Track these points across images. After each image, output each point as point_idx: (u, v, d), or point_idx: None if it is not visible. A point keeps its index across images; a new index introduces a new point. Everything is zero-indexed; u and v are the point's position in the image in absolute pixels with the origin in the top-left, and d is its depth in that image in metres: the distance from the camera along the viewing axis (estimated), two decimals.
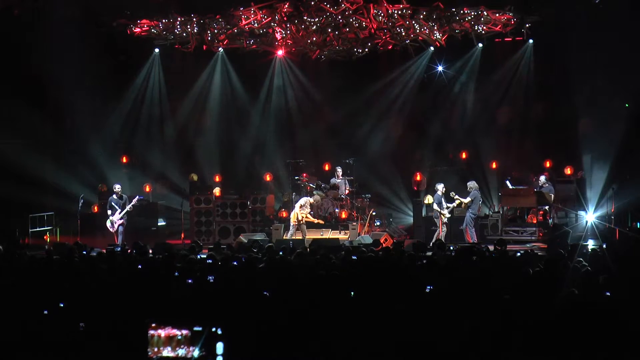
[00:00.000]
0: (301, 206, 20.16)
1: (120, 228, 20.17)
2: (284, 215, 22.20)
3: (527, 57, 24.18)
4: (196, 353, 6.61)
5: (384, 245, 17.31)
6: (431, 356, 7.78)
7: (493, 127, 24.90)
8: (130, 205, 20.34)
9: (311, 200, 20.37)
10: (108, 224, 20.27)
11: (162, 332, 6.64)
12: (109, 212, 20.30)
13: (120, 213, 20.14)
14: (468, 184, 20.85)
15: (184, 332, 6.64)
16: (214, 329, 6.66)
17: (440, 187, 20.50)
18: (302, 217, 20.04)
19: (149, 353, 6.61)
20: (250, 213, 22.38)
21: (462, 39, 23.08)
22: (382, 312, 8.40)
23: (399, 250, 14.11)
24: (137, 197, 20.79)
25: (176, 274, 11.06)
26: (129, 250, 15.14)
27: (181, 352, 6.62)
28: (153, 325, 6.64)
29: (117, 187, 20.62)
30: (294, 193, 22.00)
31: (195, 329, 6.66)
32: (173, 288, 10.03)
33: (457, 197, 20.46)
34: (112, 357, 7.85)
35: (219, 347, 6.67)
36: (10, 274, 11.11)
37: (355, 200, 21.99)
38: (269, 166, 24.92)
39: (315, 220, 20.49)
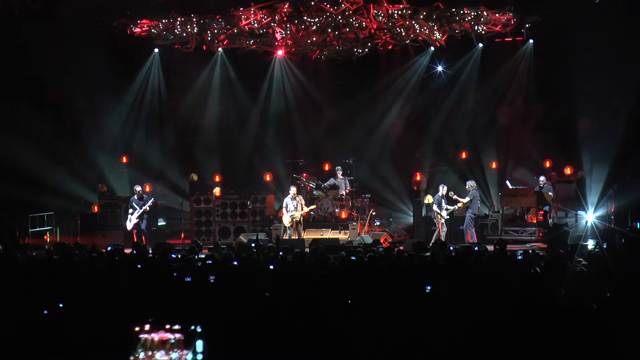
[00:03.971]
0: (285, 208, 20.12)
1: (135, 228, 20.29)
2: None
3: (527, 57, 24.18)
4: (189, 357, 6.55)
5: (384, 245, 17.32)
6: (431, 356, 7.77)
7: (493, 127, 24.91)
8: (145, 207, 20.35)
9: (290, 195, 20.25)
10: (127, 222, 20.45)
11: (155, 336, 6.57)
12: (130, 211, 20.38)
13: (138, 213, 20.22)
14: (467, 183, 20.91)
15: (177, 335, 6.57)
16: (192, 327, 6.59)
17: (442, 189, 20.50)
18: (293, 217, 20.00)
19: (142, 357, 6.53)
20: (250, 213, 22.37)
21: (462, 39, 23.07)
22: (382, 312, 8.39)
23: (398, 250, 14.11)
24: (152, 199, 20.78)
25: (175, 274, 11.06)
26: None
27: (174, 356, 6.55)
28: (146, 328, 6.57)
29: (138, 188, 20.67)
30: None
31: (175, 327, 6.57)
32: (171, 288, 10.00)
33: (455, 197, 20.48)
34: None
35: (199, 345, 6.61)
36: (10, 274, 11.10)
37: (355, 200, 21.99)
38: (269, 166, 24.90)
39: (307, 210, 20.43)
